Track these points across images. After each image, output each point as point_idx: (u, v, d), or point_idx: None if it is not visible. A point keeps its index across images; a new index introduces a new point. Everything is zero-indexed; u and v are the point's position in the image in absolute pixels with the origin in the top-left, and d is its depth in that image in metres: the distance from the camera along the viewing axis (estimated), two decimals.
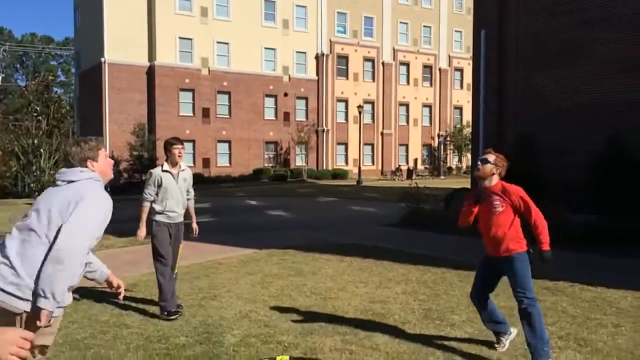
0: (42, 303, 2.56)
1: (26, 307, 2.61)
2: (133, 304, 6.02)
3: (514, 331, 4.56)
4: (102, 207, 2.78)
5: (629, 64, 11.27)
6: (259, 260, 8.69)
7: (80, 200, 2.70)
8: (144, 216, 5.74)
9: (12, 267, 2.62)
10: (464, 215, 4.50)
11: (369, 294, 6.48)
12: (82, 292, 6.48)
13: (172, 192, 5.72)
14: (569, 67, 12.43)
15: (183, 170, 5.86)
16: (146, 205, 5.73)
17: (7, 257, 2.64)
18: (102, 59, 35.52)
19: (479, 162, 4.37)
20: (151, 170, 5.85)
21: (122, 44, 35.66)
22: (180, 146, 5.81)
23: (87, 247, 2.72)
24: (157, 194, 5.68)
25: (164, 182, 5.68)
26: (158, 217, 5.69)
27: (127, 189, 33.24)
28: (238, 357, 4.40)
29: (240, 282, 7.11)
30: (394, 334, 4.90)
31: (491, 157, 4.34)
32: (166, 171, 5.73)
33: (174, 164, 5.78)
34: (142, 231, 5.76)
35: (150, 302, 6.02)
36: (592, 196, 11.04)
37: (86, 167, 2.90)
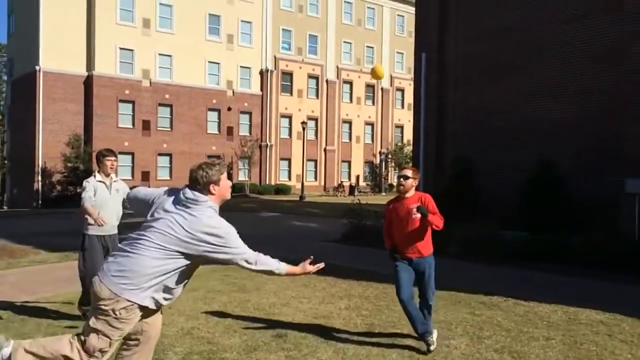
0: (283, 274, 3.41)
1: (137, 299, 3.20)
2: (68, 322, 5.79)
3: (434, 332, 5.06)
4: (226, 223, 3.24)
5: (558, 89, 11.95)
6: (201, 276, 8.52)
7: (223, 236, 3.16)
8: (92, 210, 5.53)
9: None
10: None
11: (313, 309, 6.51)
12: (12, 309, 6.19)
13: (106, 203, 5.68)
14: (504, 89, 13.04)
15: (115, 181, 5.85)
16: (90, 204, 5.53)
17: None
18: (37, 67, 34.16)
19: (402, 179, 5.07)
20: (87, 180, 5.77)
21: (58, 53, 34.45)
22: (112, 158, 5.79)
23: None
24: None
25: (98, 192, 5.64)
26: (90, 230, 5.65)
27: (60, 201, 31.99)
28: None
29: (181, 298, 6.94)
30: (338, 349, 4.95)
31: (409, 172, 5.06)
32: (100, 181, 5.72)
33: (106, 175, 5.75)
34: (95, 214, 5.51)
35: None
36: (523, 214, 11.57)
37: (209, 191, 3.22)
